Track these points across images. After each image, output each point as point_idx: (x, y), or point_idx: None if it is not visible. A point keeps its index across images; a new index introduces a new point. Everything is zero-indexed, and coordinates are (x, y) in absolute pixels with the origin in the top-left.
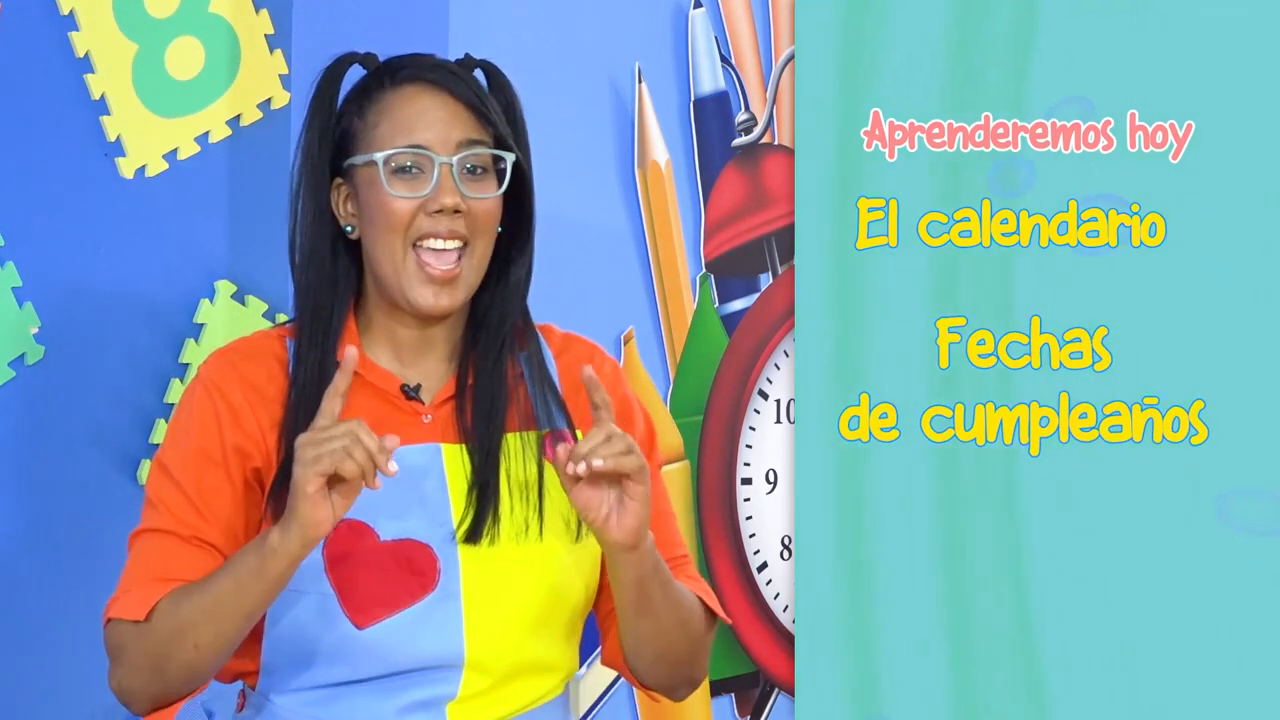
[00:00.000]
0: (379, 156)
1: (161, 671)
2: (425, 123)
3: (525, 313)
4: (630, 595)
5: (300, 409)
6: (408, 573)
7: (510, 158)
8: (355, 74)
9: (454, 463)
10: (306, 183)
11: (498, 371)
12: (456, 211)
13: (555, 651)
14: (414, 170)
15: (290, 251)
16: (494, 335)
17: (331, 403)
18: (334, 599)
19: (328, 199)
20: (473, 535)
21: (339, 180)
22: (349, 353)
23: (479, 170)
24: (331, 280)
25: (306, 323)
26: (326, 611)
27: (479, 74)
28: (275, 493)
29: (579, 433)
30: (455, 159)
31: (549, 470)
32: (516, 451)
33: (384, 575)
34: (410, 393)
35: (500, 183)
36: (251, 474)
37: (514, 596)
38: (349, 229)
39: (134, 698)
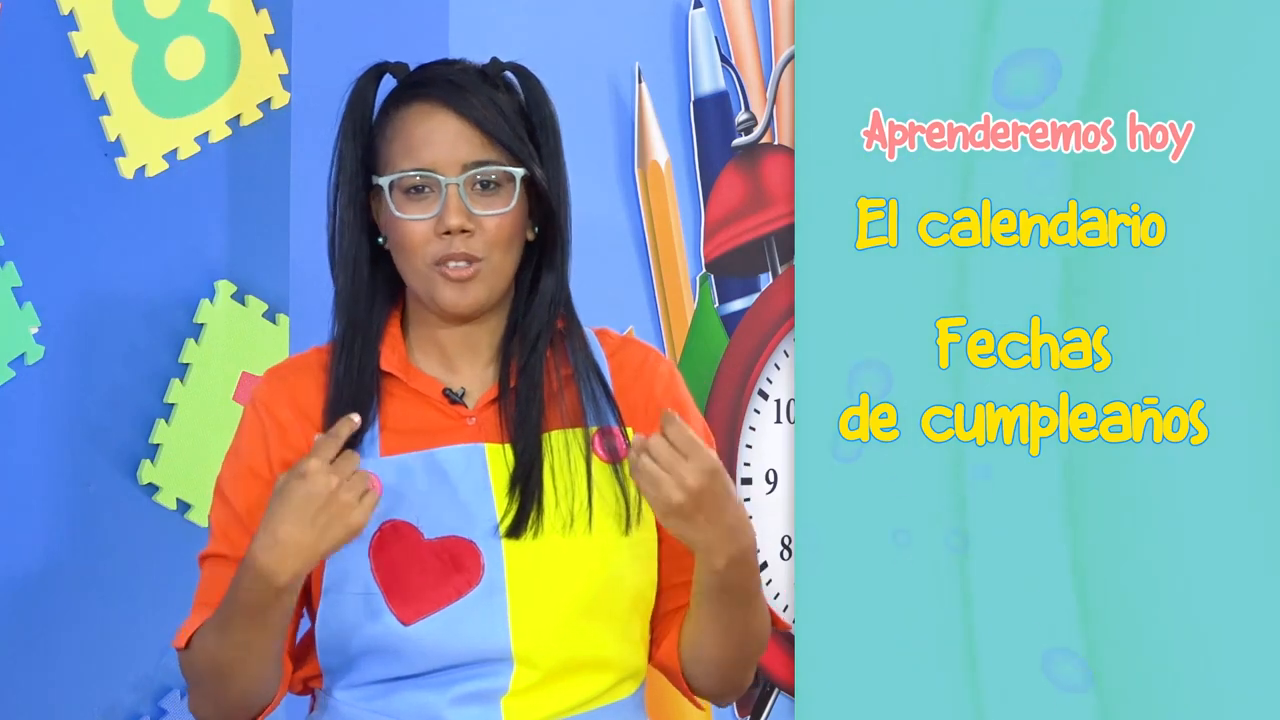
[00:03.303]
0: (384, 181)
1: (221, 704)
2: (430, 144)
3: (570, 315)
4: (706, 603)
5: (338, 417)
6: (452, 569)
7: (520, 173)
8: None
9: (497, 461)
10: (342, 194)
11: (538, 373)
12: (464, 231)
13: (610, 648)
14: (424, 190)
15: (330, 260)
16: (529, 342)
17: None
18: (380, 597)
19: (363, 210)
20: (515, 529)
21: (375, 194)
22: (352, 420)
23: (491, 184)
24: (370, 290)
25: (344, 332)
26: (373, 610)
27: (510, 76)
28: None
29: (628, 429)
30: (461, 179)
31: (598, 465)
32: (561, 448)
33: (428, 572)
34: (453, 397)
35: (516, 194)
36: None
37: (560, 590)
38: (382, 240)
39: None
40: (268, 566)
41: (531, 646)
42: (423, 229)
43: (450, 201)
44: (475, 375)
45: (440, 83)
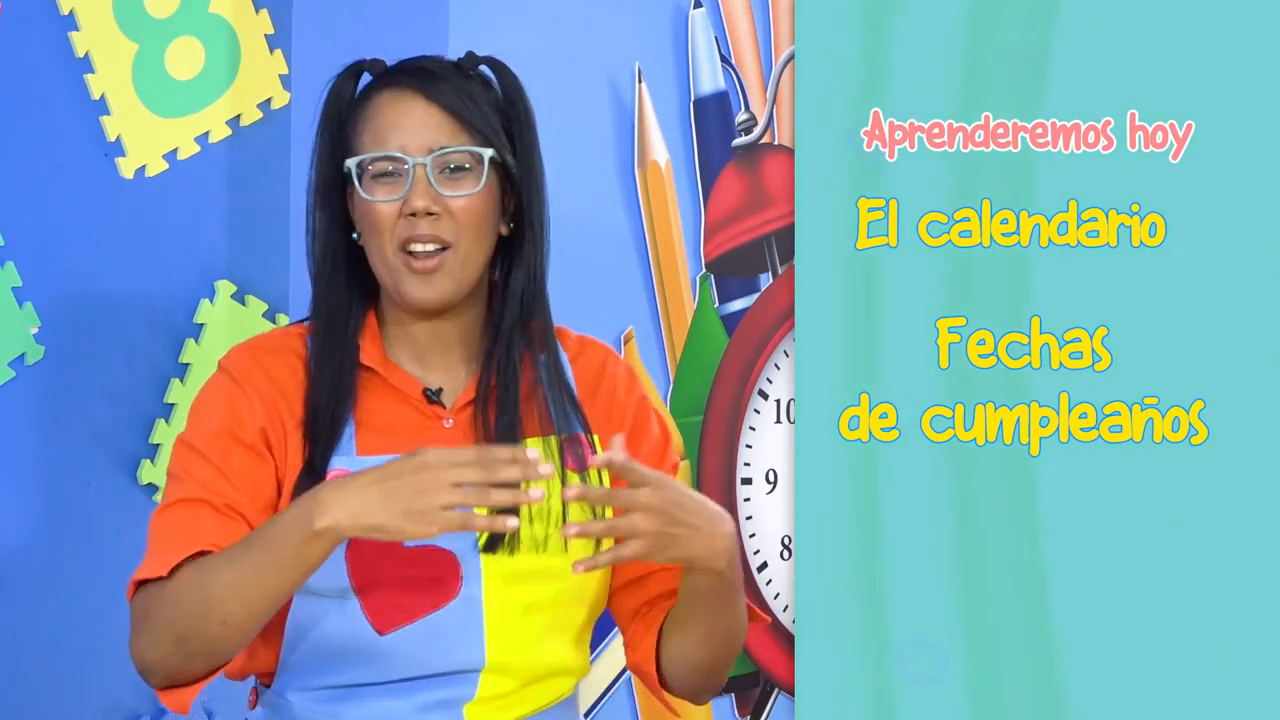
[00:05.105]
0: (351, 163)
1: (185, 643)
2: (398, 128)
3: (545, 316)
4: (701, 607)
5: (318, 414)
6: (430, 579)
7: (488, 153)
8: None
9: None
10: (318, 190)
11: (516, 376)
12: (430, 213)
13: (570, 656)
14: (392, 174)
15: (308, 256)
16: (504, 339)
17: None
18: (356, 604)
19: (340, 206)
20: (492, 544)
21: (350, 188)
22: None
23: (460, 169)
24: (347, 286)
25: (322, 328)
26: (348, 616)
27: (486, 70)
28: (297, 493)
29: (595, 437)
30: (429, 160)
31: (569, 478)
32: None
33: (407, 582)
34: (432, 397)
35: (484, 177)
36: (276, 462)
37: (533, 605)
38: (356, 235)
39: (153, 670)
40: (320, 503)
41: (504, 659)
42: (389, 210)
43: (417, 183)
44: (449, 372)
45: (412, 71)
